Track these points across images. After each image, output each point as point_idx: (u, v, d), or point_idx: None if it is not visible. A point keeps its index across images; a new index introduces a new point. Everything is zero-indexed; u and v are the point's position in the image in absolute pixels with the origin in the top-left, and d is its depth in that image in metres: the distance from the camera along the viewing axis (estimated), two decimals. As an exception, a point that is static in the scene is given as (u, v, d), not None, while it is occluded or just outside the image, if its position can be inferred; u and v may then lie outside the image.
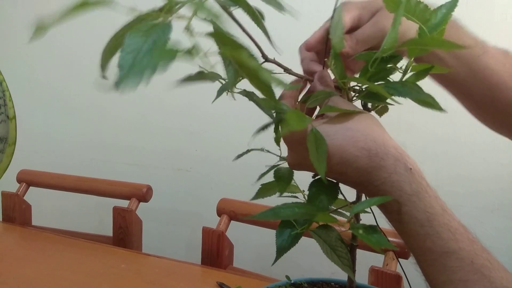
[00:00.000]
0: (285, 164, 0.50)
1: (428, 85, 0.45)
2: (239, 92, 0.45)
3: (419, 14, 0.43)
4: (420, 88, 0.42)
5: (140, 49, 0.27)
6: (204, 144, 1.57)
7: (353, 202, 0.48)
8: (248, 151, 0.53)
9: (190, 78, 0.44)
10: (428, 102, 0.41)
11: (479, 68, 0.52)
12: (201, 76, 0.44)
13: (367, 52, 0.45)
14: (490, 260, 0.38)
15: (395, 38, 0.42)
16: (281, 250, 0.44)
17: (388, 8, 0.42)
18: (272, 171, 0.50)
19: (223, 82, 0.45)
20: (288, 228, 0.45)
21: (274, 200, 0.54)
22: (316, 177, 0.47)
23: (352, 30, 0.48)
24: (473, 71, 0.52)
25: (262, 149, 0.52)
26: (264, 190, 0.51)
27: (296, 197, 0.50)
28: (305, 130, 0.40)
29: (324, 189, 0.45)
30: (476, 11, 1.17)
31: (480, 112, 0.57)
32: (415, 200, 0.38)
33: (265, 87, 0.34)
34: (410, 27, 0.44)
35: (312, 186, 0.46)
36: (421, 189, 0.39)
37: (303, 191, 0.49)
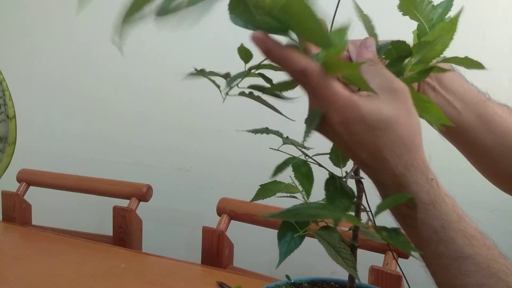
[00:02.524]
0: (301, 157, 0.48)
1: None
2: (245, 95, 0.45)
3: (426, 14, 0.43)
4: None
5: None
6: (205, 143, 1.57)
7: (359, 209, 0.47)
8: (266, 129, 0.49)
9: (191, 75, 0.44)
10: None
11: (488, 114, 0.52)
12: (201, 73, 0.44)
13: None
14: (508, 265, 0.38)
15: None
16: (284, 253, 0.44)
17: (402, 8, 0.43)
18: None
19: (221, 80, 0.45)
20: (290, 230, 0.44)
21: (274, 200, 0.54)
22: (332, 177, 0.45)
23: None
24: (481, 117, 0.52)
25: (279, 134, 0.49)
26: (263, 191, 0.51)
27: (295, 197, 0.50)
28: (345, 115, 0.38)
29: (340, 190, 0.44)
30: (476, 10, 1.17)
31: (492, 169, 0.56)
32: (431, 209, 0.39)
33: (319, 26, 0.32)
34: None
35: (328, 185, 0.45)
36: (438, 199, 0.39)
37: (302, 190, 0.48)
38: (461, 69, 0.54)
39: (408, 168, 0.39)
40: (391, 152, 0.39)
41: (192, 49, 1.51)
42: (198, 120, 1.55)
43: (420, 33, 0.44)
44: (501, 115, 0.52)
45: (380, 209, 0.40)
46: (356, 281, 0.50)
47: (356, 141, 0.39)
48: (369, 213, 0.46)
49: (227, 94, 0.43)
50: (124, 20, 0.30)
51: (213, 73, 0.45)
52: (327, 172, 0.47)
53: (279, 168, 0.46)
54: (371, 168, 0.41)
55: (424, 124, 0.52)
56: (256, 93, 0.45)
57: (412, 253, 0.40)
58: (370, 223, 0.43)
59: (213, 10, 0.30)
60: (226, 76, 0.45)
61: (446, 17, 0.44)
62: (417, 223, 0.39)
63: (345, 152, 0.42)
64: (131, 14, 0.30)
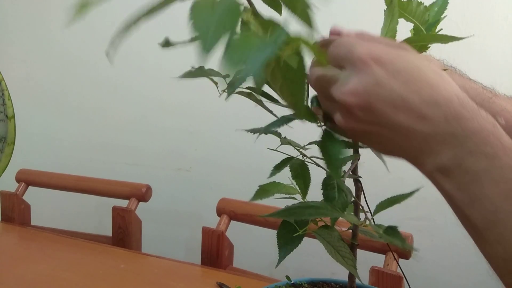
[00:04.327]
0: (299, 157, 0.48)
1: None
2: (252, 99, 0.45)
3: (418, 16, 0.43)
4: None
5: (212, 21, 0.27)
6: (204, 144, 1.56)
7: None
8: (265, 128, 0.49)
9: (190, 74, 0.44)
10: None
11: (495, 111, 0.49)
12: (201, 72, 0.44)
13: None
14: None
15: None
16: (284, 252, 0.44)
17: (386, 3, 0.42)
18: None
19: (222, 80, 0.45)
20: (289, 230, 0.44)
21: (273, 200, 0.53)
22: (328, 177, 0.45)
23: None
24: None
25: (277, 134, 0.49)
26: (262, 192, 0.50)
27: (294, 198, 0.49)
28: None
29: (338, 189, 0.44)
30: (477, 10, 1.17)
31: None
32: None
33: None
34: None
35: (326, 184, 0.44)
36: None
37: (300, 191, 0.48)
38: (462, 68, 0.53)
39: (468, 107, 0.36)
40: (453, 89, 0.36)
41: (192, 50, 1.50)
42: (198, 120, 1.55)
43: (416, 33, 0.44)
44: (510, 110, 0.50)
45: (379, 207, 0.40)
46: (357, 281, 0.50)
47: (408, 83, 0.34)
48: (368, 212, 0.46)
49: (224, 91, 0.43)
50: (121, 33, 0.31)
51: (212, 72, 0.44)
52: (325, 172, 0.46)
53: (277, 168, 0.46)
54: (435, 117, 0.35)
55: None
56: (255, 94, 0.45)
57: (414, 253, 0.39)
58: (368, 222, 0.43)
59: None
60: (225, 76, 0.44)
61: (442, 16, 0.44)
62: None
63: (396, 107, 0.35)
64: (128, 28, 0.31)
